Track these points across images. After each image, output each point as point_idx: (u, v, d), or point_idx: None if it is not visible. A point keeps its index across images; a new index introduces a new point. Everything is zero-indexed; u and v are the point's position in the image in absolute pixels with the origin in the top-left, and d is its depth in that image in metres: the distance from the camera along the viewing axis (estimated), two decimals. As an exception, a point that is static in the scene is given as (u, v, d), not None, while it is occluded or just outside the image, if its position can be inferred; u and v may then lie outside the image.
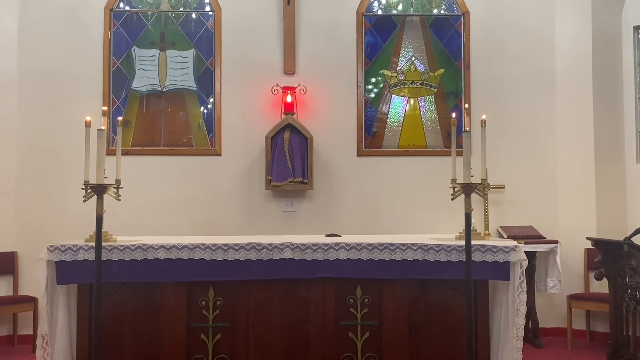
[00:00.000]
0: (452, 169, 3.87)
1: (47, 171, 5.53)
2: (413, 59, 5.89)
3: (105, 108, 4.35)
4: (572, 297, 5.29)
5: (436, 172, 5.54)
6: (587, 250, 5.38)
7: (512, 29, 5.80)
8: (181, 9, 5.81)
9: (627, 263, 3.82)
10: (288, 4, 5.63)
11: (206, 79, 5.78)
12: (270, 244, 3.84)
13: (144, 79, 5.75)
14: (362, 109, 5.80)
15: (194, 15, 5.82)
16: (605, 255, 4.05)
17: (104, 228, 3.64)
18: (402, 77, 5.88)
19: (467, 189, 3.60)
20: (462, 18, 5.85)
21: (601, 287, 4.98)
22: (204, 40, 5.79)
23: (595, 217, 5.50)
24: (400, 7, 5.91)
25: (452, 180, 3.88)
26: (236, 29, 5.75)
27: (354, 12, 5.80)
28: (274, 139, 5.53)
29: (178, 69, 5.78)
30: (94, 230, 3.55)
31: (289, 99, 5.61)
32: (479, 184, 3.77)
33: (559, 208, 5.69)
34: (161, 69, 5.77)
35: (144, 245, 3.82)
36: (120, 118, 4.21)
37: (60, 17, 5.65)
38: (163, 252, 3.80)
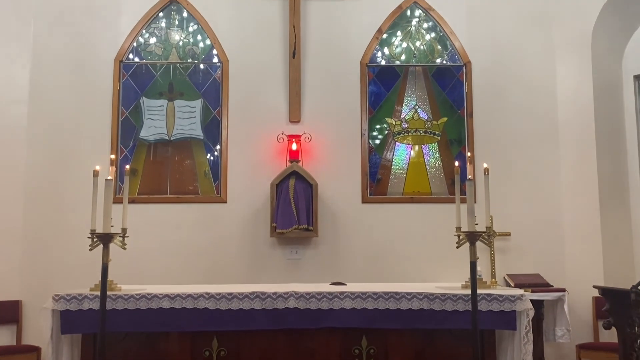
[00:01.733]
0: (457, 217, 3.89)
1: (54, 220, 5.56)
2: (416, 107, 5.98)
3: (113, 157, 4.41)
4: (582, 347, 5.19)
5: (441, 219, 5.54)
6: (595, 299, 5.32)
7: (514, 79, 5.90)
8: (189, 61, 5.96)
9: (635, 312, 3.76)
10: (293, 57, 5.77)
11: (213, 127, 5.88)
12: (275, 293, 3.83)
13: (152, 128, 5.85)
14: (366, 156, 5.86)
15: (202, 67, 5.96)
16: (613, 303, 3.99)
17: (110, 277, 3.65)
18: (406, 125, 5.96)
19: (472, 237, 3.61)
20: (464, 68, 5.96)
21: (611, 336, 4.89)
22: (211, 91, 5.92)
23: (602, 264, 5.45)
24: (403, 58, 6.05)
25: (456, 228, 3.89)
26: (243, 79, 5.88)
27: (358, 63, 5.93)
28: (279, 186, 5.57)
29: (186, 118, 5.89)
30: (100, 279, 3.57)
31: (294, 146, 5.68)
32: (484, 232, 3.77)
33: (565, 255, 5.65)
34: (169, 118, 5.88)
35: (148, 294, 3.82)
36: (127, 167, 4.28)
37: (70, 68, 5.79)
38: (167, 302, 3.80)
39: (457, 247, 3.85)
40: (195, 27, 6.00)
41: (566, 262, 5.62)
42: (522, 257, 5.63)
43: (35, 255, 5.49)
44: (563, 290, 5.28)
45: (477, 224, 3.66)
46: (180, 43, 5.99)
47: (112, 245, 3.57)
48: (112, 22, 5.88)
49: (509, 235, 5.60)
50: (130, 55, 5.93)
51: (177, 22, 6.01)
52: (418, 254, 5.65)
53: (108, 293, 3.67)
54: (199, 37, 6.00)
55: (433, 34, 6.06)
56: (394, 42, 6.06)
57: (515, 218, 5.65)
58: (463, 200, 3.80)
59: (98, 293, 3.64)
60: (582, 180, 5.64)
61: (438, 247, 5.54)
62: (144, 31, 5.96)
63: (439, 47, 6.05)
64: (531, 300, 4.00)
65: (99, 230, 3.56)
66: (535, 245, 5.65)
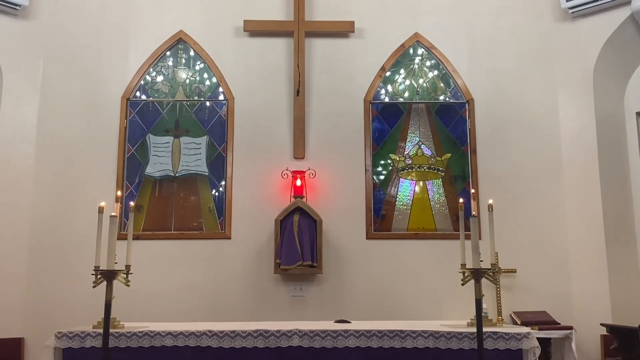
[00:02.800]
0: (461, 254, 3.88)
1: (59, 257, 5.56)
2: (420, 143, 6.02)
3: (119, 193, 4.43)
4: (591, 386, 5.10)
5: (446, 255, 5.53)
6: (603, 337, 5.23)
7: (517, 116, 5.95)
8: (196, 98, 6.04)
9: (644, 351, 3.72)
10: (297, 95, 5.85)
11: (218, 164, 5.92)
12: (278, 331, 3.80)
13: (158, 165, 5.89)
14: (370, 192, 5.86)
15: (208, 104, 6.04)
16: (621, 341, 3.96)
17: (113, 314, 3.63)
18: (410, 162, 5.99)
19: (477, 274, 3.60)
20: (466, 105, 6.02)
21: (620, 375, 4.81)
22: (216, 127, 5.98)
23: (610, 302, 5.38)
24: (406, 95, 6.12)
25: (461, 265, 3.88)
26: (248, 116, 5.95)
27: (362, 100, 6.00)
28: (284, 222, 5.57)
29: (191, 154, 5.94)
30: (103, 316, 3.55)
31: (298, 182, 5.70)
32: (489, 269, 3.75)
33: (572, 293, 5.59)
34: (175, 155, 5.93)
35: (151, 332, 3.79)
36: (132, 203, 4.30)
37: (78, 106, 5.87)
38: (170, 339, 3.77)
39: (463, 285, 3.84)
40: (202, 65, 6.10)
41: (573, 300, 5.56)
42: (528, 295, 5.57)
43: (39, 292, 5.47)
44: (570, 328, 5.21)
45: (482, 261, 3.65)
46: (187, 81, 6.08)
47: (115, 282, 3.57)
48: (120, 61, 6.00)
49: (515, 272, 5.55)
50: (138, 93, 6.02)
51: (183, 61, 6.12)
52: (423, 291, 5.61)
53: (111, 330, 3.64)
54: (205, 75, 6.09)
55: (436, 72, 6.15)
56: (397, 79, 6.14)
57: (520, 255, 5.62)
58: (468, 237, 3.79)
59: (101, 330, 3.62)
60: (588, 216, 5.62)
61: (443, 284, 5.51)
62: (151, 70, 6.06)
63: (442, 84, 6.12)
64: (538, 339, 3.95)
65: (103, 267, 3.56)
66: (542, 282, 5.60)
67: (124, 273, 3.77)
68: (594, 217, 5.58)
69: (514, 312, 5.46)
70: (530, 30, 6.10)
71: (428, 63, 6.17)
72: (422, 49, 6.17)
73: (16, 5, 5.62)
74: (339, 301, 5.58)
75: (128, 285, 3.85)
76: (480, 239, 4.54)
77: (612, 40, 5.71)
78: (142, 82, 6.03)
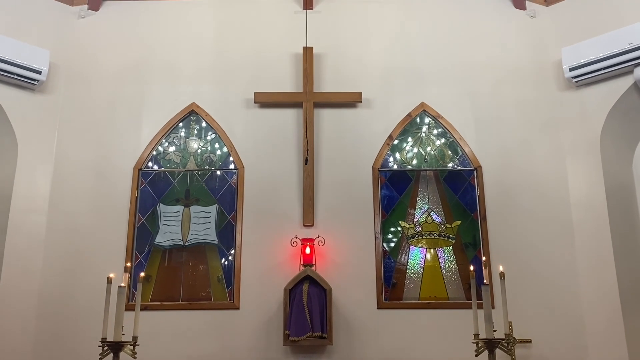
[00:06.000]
0: (474, 324, 3.80)
1: (66, 328, 5.49)
2: (429, 211, 6.01)
3: (129, 264, 4.43)
4: None
5: (459, 325, 5.38)
6: (627, 411, 5.03)
7: (525, 182, 5.96)
8: (206, 168, 6.13)
9: None
10: (306, 164, 5.92)
11: (227, 232, 5.93)
12: (288, 406, 3.69)
13: (167, 234, 5.91)
14: (381, 260, 5.81)
15: (218, 173, 6.12)
16: (646, 417, 3.78)
17: (118, 388, 3.56)
18: (420, 229, 5.96)
19: (490, 344, 3.52)
20: (474, 172, 6.06)
21: None
22: (226, 196, 6.03)
23: (631, 373, 5.20)
24: (414, 162, 6.17)
25: (474, 335, 3.80)
26: (258, 185, 6.00)
27: (370, 168, 6.05)
28: (293, 292, 5.50)
29: (201, 223, 5.96)
30: (107, 390, 3.48)
31: (307, 250, 5.67)
32: (503, 339, 3.67)
33: (590, 363, 5.42)
34: (184, 224, 5.95)
35: (156, 406, 3.70)
36: (142, 274, 4.29)
37: (91, 177, 5.96)
38: (176, 415, 3.67)
39: (476, 355, 3.75)
40: (213, 135, 6.23)
41: (592, 370, 5.38)
42: (545, 365, 5.40)
43: (44, 364, 5.38)
44: (591, 401, 5.02)
45: (495, 331, 3.58)
46: (198, 151, 6.19)
47: (122, 354, 3.52)
48: (133, 132, 6.14)
49: (530, 342, 5.40)
50: (150, 164, 6.11)
51: (195, 132, 6.26)
52: (436, 362, 5.45)
53: (115, 405, 3.56)
54: (216, 145, 6.21)
55: (443, 140, 6.23)
56: (405, 147, 6.22)
57: (535, 324, 5.47)
58: (480, 306, 3.73)
59: (105, 405, 3.53)
60: (602, 282, 5.50)
61: (457, 354, 5.33)
62: (163, 140, 6.19)
63: (450, 152, 6.18)
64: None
65: (110, 338, 3.52)
66: (559, 352, 5.42)
67: (130, 344, 3.72)
68: (608, 283, 5.47)
69: (531, 385, 5.28)
70: (535, 98, 6.21)
71: (435, 131, 6.26)
72: (429, 118, 6.28)
73: (34, 80, 5.83)
74: (350, 374, 5.42)
75: (134, 358, 3.78)
76: (493, 307, 4.46)
77: (616, 108, 5.79)
78: (154, 153, 6.14)
